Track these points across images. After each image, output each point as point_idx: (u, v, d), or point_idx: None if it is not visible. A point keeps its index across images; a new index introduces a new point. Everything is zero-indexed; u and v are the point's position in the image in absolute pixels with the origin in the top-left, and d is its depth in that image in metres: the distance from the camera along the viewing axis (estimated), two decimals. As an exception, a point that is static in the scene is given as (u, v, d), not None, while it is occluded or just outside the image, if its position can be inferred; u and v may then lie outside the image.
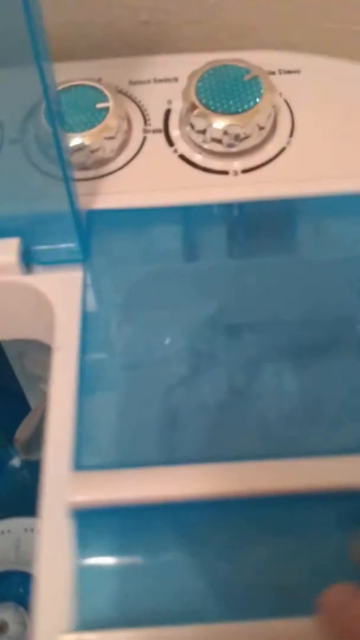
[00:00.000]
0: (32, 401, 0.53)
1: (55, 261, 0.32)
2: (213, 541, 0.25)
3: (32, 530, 0.54)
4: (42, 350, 0.36)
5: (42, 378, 0.47)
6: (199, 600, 0.24)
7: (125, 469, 0.25)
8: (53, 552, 0.25)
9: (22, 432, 0.50)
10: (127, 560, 0.24)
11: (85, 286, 0.31)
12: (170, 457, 0.26)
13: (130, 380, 0.29)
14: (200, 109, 0.34)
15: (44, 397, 0.48)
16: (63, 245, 0.32)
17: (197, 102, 0.34)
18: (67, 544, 0.25)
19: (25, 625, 0.50)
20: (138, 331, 0.30)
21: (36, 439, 0.50)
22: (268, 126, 0.34)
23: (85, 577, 0.24)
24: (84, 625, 0.23)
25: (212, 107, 0.34)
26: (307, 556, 0.24)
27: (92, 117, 0.34)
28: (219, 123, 0.33)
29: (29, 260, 0.32)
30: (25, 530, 0.54)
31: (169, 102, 0.36)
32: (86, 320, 0.30)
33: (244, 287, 0.31)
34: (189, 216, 0.33)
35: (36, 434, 0.50)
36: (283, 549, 0.25)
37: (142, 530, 0.25)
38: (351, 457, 0.26)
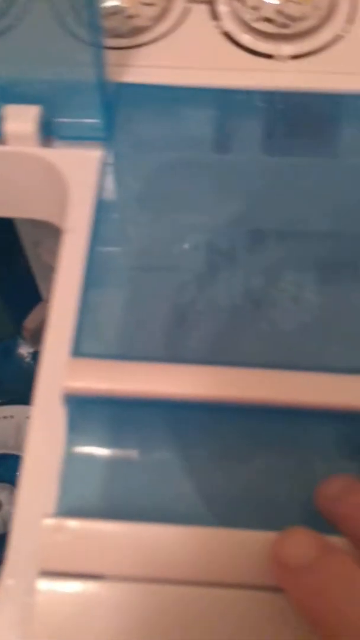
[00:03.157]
0: (44, 292, 0.52)
1: (75, 136, 0.29)
2: (207, 446, 0.24)
3: (34, 418, 0.55)
4: (57, 240, 0.34)
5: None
6: (184, 502, 0.23)
7: (125, 360, 0.24)
8: (43, 435, 0.24)
9: (31, 321, 0.49)
10: (116, 453, 0.24)
11: (104, 167, 0.29)
12: (174, 355, 0.25)
13: (141, 274, 0.27)
14: (254, -21, 0.30)
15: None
16: (85, 120, 0.29)
17: (251, -28, 0.30)
18: (58, 429, 0.24)
19: (19, 507, 0.51)
20: (155, 223, 0.28)
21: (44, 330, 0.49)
22: (324, 8, 0.31)
23: (73, 464, 0.23)
24: (68, 511, 0.23)
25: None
26: (301, 475, 0.23)
27: (132, -23, 0.30)
28: (274, -2, 0.30)
29: (48, 132, 0.30)
30: (27, 417, 0.55)
31: (220, -30, 0.32)
32: (101, 205, 0.28)
33: (275, 188, 0.29)
34: (225, 101, 0.30)
35: (45, 324, 0.49)
36: (278, 464, 0.24)
37: (135, 425, 0.24)
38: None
